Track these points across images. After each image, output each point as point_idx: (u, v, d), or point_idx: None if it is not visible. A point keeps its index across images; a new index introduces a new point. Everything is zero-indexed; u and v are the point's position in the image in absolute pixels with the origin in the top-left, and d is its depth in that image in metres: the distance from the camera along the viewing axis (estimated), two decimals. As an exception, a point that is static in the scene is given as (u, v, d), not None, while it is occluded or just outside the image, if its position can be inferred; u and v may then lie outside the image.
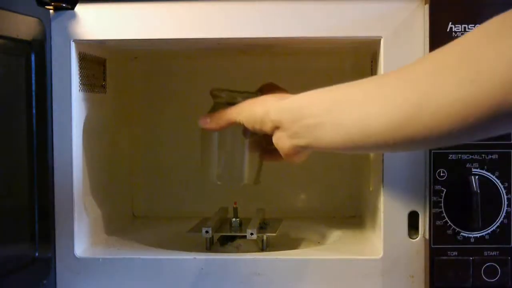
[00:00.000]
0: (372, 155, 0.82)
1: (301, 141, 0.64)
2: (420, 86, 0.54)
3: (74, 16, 0.72)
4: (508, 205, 0.69)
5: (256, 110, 0.68)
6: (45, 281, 0.71)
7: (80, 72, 0.75)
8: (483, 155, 0.69)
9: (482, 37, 0.52)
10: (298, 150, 0.65)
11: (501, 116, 0.50)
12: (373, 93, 0.58)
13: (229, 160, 0.80)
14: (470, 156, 0.69)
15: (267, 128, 0.67)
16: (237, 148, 0.80)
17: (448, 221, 0.69)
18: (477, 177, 0.69)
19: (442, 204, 0.69)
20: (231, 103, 0.74)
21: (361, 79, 0.61)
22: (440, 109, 0.52)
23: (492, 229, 0.69)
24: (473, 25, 0.67)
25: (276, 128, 0.66)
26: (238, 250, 0.82)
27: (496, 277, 0.69)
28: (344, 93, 0.62)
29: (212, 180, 0.81)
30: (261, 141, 0.77)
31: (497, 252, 0.69)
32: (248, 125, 0.69)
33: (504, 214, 0.69)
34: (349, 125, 0.59)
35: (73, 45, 0.72)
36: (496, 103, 0.50)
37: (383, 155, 0.72)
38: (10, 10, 0.64)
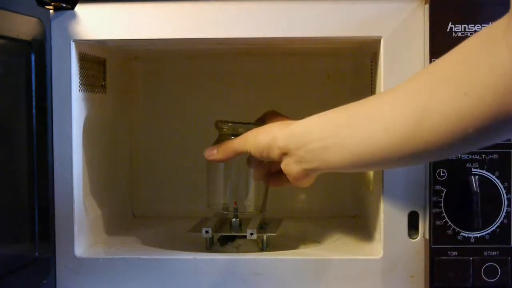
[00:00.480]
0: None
1: (309, 165, 0.66)
2: (417, 101, 0.55)
3: (74, 16, 0.72)
4: (508, 205, 0.69)
5: (262, 138, 0.70)
6: (45, 281, 0.71)
7: (80, 72, 0.75)
8: (483, 155, 0.69)
9: (476, 46, 0.52)
10: (307, 173, 0.67)
11: (499, 125, 0.50)
12: (373, 112, 0.60)
13: (235, 191, 0.83)
14: (470, 156, 0.69)
15: (274, 155, 0.69)
16: (242, 178, 0.83)
17: (448, 221, 0.69)
18: (477, 177, 0.69)
19: (442, 204, 0.69)
20: (235, 135, 0.77)
21: (362, 99, 0.63)
22: (439, 122, 0.53)
23: (492, 229, 0.69)
24: (473, 25, 0.67)
25: (284, 154, 0.68)
26: (238, 250, 0.82)
27: (496, 277, 0.69)
28: (346, 115, 0.63)
29: (218, 210, 0.84)
30: (265, 169, 0.79)
31: (497, 252, 0.69)
32: (256, 153, 0.71)
33: (504, 214, 0.69)
34: (353, 146, 0.61)
35: (73, 45, 0.72)
36: (492, 113, 0.50)
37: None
38: (10, 10, 0.64)
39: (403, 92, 0.58)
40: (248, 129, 0.74)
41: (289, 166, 0.68)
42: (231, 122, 0.81)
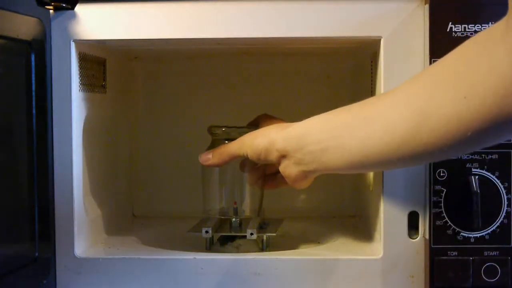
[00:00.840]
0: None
1: (308, 167, 0.65)
2: (417, 103, 0.55)
3: (74, 16, 0.72)
4: (508, 205, 0.69)
5: (260, 141, 0.70)
6: (45, 281, 0.71)
7: (80, 72, 0.75)
8: (483, 155, 0.69)
9: (476, 48, 0.52)
10: (306, 175, 0.67)
11: (499, 127, 0.50)
12: (372, 114, 0.60)
13: (230, 195, 0.83)
14: (470, 156, 0.69)
15: (272, 157, 0.69)
16: (237, 182, 0.83)
17: (448, 221, 0.69)
18: (477, 177, 0.69)
19: (442, 204, 0.69)
20: (229, 139, 0.77)
21: (361, 101, 0.63)
22: (438, 124, 0.53)
23: (492, 229, 0.69)
24: (473, 25, 0.67)
25: (282, 157, 0.68)
26: (238, 250, 0.82)
27: (496, 277, 0.69)
28: (345, 116, 0.63)
29: (214, 215, 0.84)
30: (260, 173, 0.79)
31: (497, 252, 0.69)
32: (253, 157, 0.71)
33: (504, 214, 0.69)
34: (352, 148, 0.61)
35: (73, 45, 0.72)
36: (492, 116, 0.50)
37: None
38: (10, 10, 0.64)
39: (402, 94, 0.58)
40: (241, 133, 0.74)
41: (288, 168, 0.68)
42: (225, 126, 0.81)
